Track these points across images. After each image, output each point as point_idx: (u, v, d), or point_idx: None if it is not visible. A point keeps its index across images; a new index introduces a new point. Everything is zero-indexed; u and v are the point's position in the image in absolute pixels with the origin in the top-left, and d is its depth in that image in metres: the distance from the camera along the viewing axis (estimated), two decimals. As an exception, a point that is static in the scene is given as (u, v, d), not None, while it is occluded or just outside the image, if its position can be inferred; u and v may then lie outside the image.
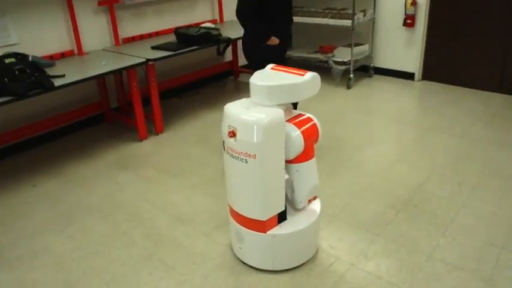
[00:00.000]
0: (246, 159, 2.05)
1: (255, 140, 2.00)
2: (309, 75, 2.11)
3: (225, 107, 2.15)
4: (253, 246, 2.28)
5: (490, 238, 2.47)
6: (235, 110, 2.10)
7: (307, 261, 2.35)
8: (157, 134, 4.01)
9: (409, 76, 5.11)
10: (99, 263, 2.45)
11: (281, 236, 2.23)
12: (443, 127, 3.90)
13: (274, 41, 3.14)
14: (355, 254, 2.41)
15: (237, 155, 2.08)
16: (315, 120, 2.24)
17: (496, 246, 2.40)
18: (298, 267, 2.32)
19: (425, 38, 4.93)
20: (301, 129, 2.15)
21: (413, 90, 4.92)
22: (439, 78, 5.01)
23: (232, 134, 2.06)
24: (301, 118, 2.22)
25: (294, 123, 2.16)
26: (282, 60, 3.26)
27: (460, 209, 2.75)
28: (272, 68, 2.28)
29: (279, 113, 2.05)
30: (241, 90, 5.10)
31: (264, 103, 2.10)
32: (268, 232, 2.21)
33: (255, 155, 2.02)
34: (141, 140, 3.89)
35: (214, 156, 3.52)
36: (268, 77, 2.16)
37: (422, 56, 5.02)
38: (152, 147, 3.82)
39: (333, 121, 3.82)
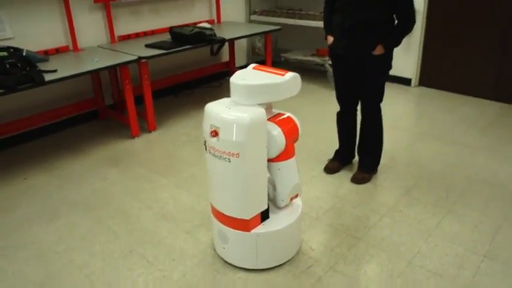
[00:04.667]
0: (229, 159, 2.05)
1: (238, 139, 2.00)
2: (289, 75, 2.11)
3: (206, 106, 2.15)
4: (238, 246, 2.28)
5: (473, 245, 2.45)
6: (217, 109, 2.10)
7: (285, 262, 2.34)
8: (150, 131, 4.02)
9: (406, 82, 5.10)
10: (81, 256, 2.46)
11: (265, 234, 2.23)
12: (436, 134, 3.88)
13: (328, 39, 2.99)
14: (335, 257, 2.40)
15: (219, 154, 2.08)
16: (295, 119, 2.25)
17: (478, 253, 2.39)
18: (276, 267, 2.31)
19: (422, 44, 4.92)
20: (282, 128, 2.16)
21: (410, 95, 4.91)
22: (435, 85, 5.00)
23: (215, 134, 2.06)
24: (282, 117, 2.22)
25: (275, 122, 2.17)
26: (337, 76, 3.10)
27: (445, 215, 2.73)
28: (254, 68, 2.28)
29: (261, 111, 2.05)
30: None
31: (245, 102, 2.10)
32: (252, 231, 2.22)
33: (238, 154, 2.03)
34: (133, 138, 3.91)
35: (203, 156, 3.50)
36: (248, 77, 2.16)
37: (420, 62, 5.01)
38: (143, 144, 3.83)
39: (325, 124, 3.82)
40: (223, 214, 2.23)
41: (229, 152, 2.04)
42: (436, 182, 3.11)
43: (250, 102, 2.09)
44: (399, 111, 4.46)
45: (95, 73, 3.93)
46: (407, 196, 2.95)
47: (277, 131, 2.14)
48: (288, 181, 2.29)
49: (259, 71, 2.22)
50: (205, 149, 2.18)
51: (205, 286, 2.22)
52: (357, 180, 3.11)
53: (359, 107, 3.07)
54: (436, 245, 2.47)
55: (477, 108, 4.45)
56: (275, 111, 2.27)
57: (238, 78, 2.12)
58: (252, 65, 2.30)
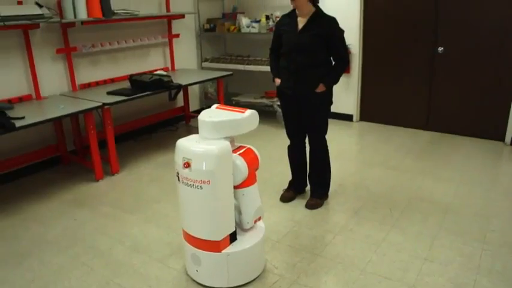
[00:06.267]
0: (201, 186, 2.32)
1: (208, 168, 2.28)
2: (249, 112, 2.45)
3: (178, 142, 2.43)
4: (210, 266, 2.50)
5: (415, 252, 2.81)
6: (188, 144, 2.39)
7: (253, 280, 2.58)
8: (113, 174, 4.19)
9: (348, 118, 5.62)
10: (58, 292, 2.58)
11: (235, 253, 2.47)
12: (378, 161, 4.33)
13: (276, 81, 3.38)
14: (297, 272, 2.67)
15: (192, 183, 2.34)
16: (255, 150, 2.57)
17: (420, 258, 2.75)
18: (245, 285, 2.54)
19: (360, 83, 5.48)
20: (245, 158, 2.47)
21: (352, 130, 5.41)
22: (374, 119, 5.55)
23: (187, 165, 2.33)
24: (244, 149, 2.54)
25: (238, 154, 2.48)
26: (286, 113, 3.43)
27: (390, 229, 3.10)
28: (217, 107, 2.60)
29: (226, 144, 2.36)
30: (193, 133, 5.34)
31: (211, 136, 2.40)
32: (223, 251, 2.45)
33: (209, 181, 2.30)
34: (97, 180, 4.06)
35: (167, 194, 3.75)
36: (214, 115, 2.48)
37: (359, 100, 5.55)
38: (108, 186, 3.99)
39: (277, 159, 4.15)
40: (196, 238, 2.46)
41: (201, 180, 2.31)
42: (380, 202, 3.50)
43: (216, 136, 2.40)
44: (344, 143, 4.91)
45: (57, 120, 4.09)
46: (356, 216, 3.30)
47: (240, 161, 2.45)
48: (252, 205, 2.58)
49: (222, 110, 2.54)
50: (178, 180, 2.43)
51: (182, 306, 2.41)
52: (310, 206, 3.44)
53: (307, 140, 3.44)
54: (384, 255, 2.80)
55: (412, 137, 5.00)
56: (237, 144, 2.57)
57: (205, 116, 2.43)
58: (215, 105, 2.62)
